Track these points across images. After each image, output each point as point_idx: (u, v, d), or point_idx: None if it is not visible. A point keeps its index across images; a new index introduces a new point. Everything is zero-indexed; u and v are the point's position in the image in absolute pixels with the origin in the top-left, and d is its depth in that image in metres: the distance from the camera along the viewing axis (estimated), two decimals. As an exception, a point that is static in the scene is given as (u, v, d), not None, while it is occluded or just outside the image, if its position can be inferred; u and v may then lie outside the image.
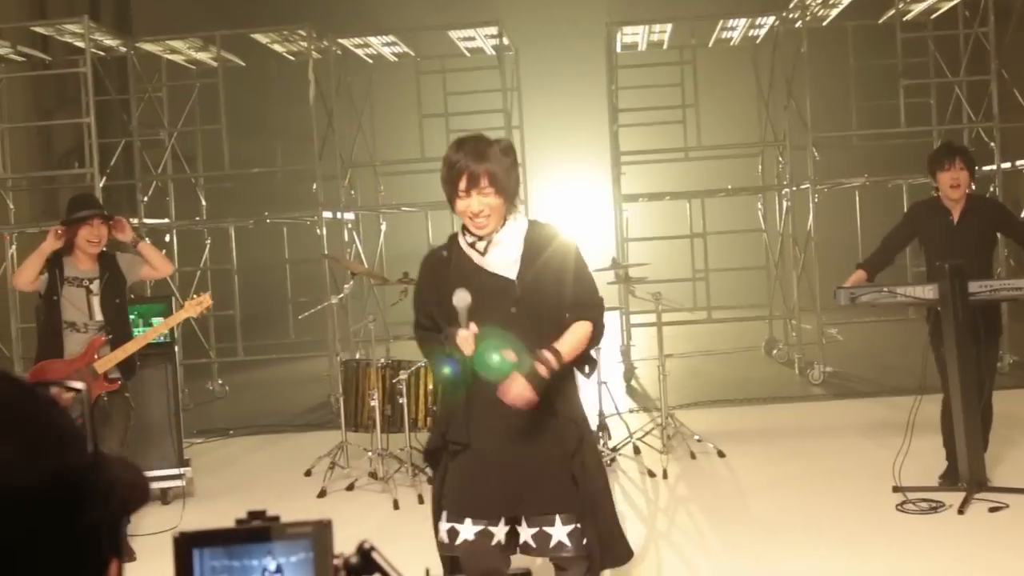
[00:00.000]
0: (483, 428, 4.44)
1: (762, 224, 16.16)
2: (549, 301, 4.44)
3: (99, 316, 7.42)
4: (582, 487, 4.44)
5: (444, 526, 4.52)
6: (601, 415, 9.41)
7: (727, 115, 16.69)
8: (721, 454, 9.50)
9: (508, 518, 4.51)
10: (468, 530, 4.44)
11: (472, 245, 4.48)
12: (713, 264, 15.22)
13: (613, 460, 9.17)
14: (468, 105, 15.54)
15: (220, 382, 14.64)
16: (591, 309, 4.53)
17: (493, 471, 4.44)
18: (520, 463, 4.45)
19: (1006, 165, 13.91)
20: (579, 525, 4.43)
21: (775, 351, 15.60)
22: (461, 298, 4.22)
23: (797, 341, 14.45)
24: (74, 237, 7.37)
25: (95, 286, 7.44)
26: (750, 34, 15.70)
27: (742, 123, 16.77)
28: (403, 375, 8.65)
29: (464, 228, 4.52)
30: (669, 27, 15.18)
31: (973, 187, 8.28)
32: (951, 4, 14.74)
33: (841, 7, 14.70)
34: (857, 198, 15.40)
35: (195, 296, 7.80)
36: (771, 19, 14.98)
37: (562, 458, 4.46)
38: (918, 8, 14.77)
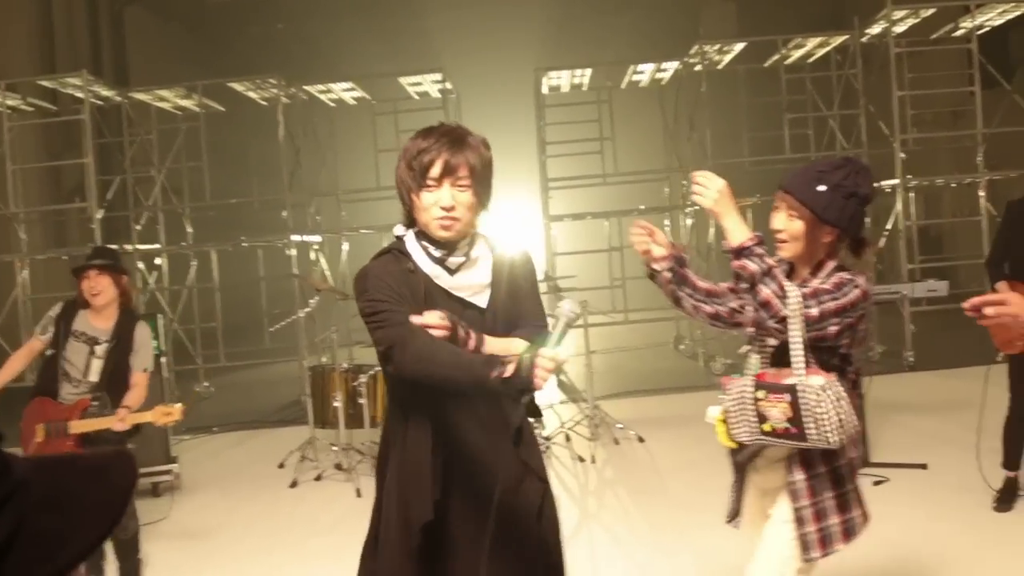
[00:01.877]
0: (455, 500, 3.08)
1: (670, 239, 15.98)
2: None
3: (93, 377, 5.87)
4: (541, 559, 3.23)
5: None
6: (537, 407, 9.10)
7: (638, 146, 16.50)
8: (641, 440, 9.20)
9: None
10: None
11: (441, 261, 3.11)
12: (629, 273, 14.99)
13: (548, 448, 8.85)
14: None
15: (206, 384, 14.25)
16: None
17: (460, 552, 3.08)
18: (490, 541, 2.98)
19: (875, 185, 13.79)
20: None
21: (682, 346, 15.50)
22: (571, 306, 2.90)
23: (701, 337, 14.24)
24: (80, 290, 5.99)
25: (100, 349, 5.91)
26: (656, 77, 15.53)
27: (651, 152, 16.62)
28: (363, 378, 8.29)
29: (421, 236, 3.13)
30: (588, 71, 14.95)
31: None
32: (825, 50, 14.61)
33: (734, 53, 14.54)
34: (750, 215, 15.20)
35: (167, 404, 5.79)
36: (675, 64, 14.82)
37: (528, 526, 3.18)
38: (797, 54, 14.61)
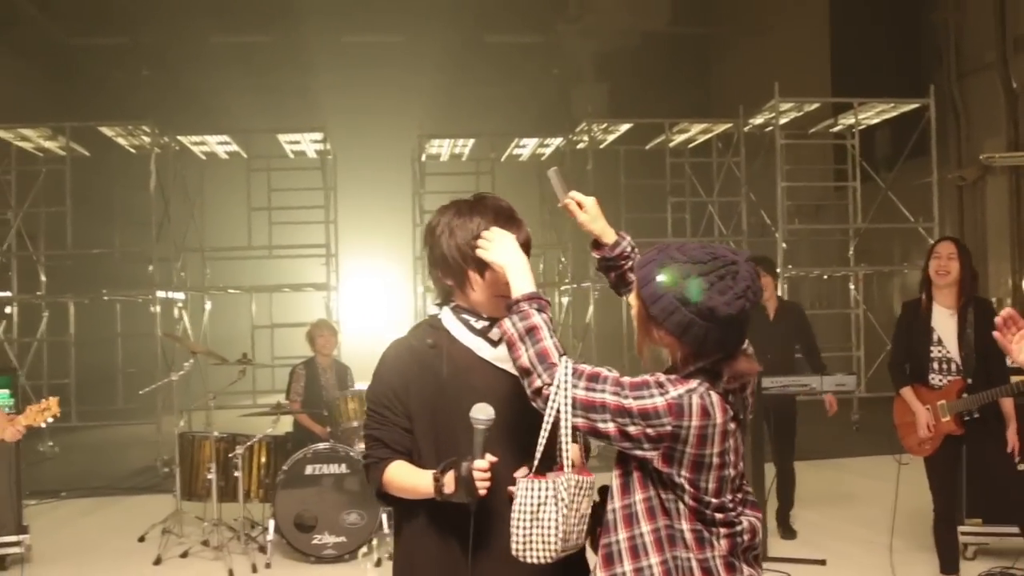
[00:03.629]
0: None
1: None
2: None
3: None
4: None
5: None
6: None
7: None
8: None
9: None
10: None
11: (484, 332, 2.93)
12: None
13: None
14: (289, 201, 14.66)
15: (51, 443, 13.29)
16: None
17: None
18: None
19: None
20: None
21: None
22: (484, 413, 2.72)
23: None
24: None
25: None
26: (537, 152, 15.40)
27: (530, 228, 16.36)
28: (239, 449, 7.71)
29: (460, 311, 2.96)
30: (471, 141, 14.74)
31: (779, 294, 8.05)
32: (707, 137, 14.70)
33: (619, 133, 14.51)
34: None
35: (42, 402, 5.22)
36: (559, 140, 14.71)
37: None
38: (680, 138, 14.68)
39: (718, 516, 2.57)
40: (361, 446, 7.99)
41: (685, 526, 2.56)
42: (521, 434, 2.78)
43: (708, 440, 2.50)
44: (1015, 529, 6.48)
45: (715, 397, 2.52)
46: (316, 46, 18.97)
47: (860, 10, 16.81)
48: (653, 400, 2.48)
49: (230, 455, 7.77)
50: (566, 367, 2.54)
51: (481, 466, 2.68)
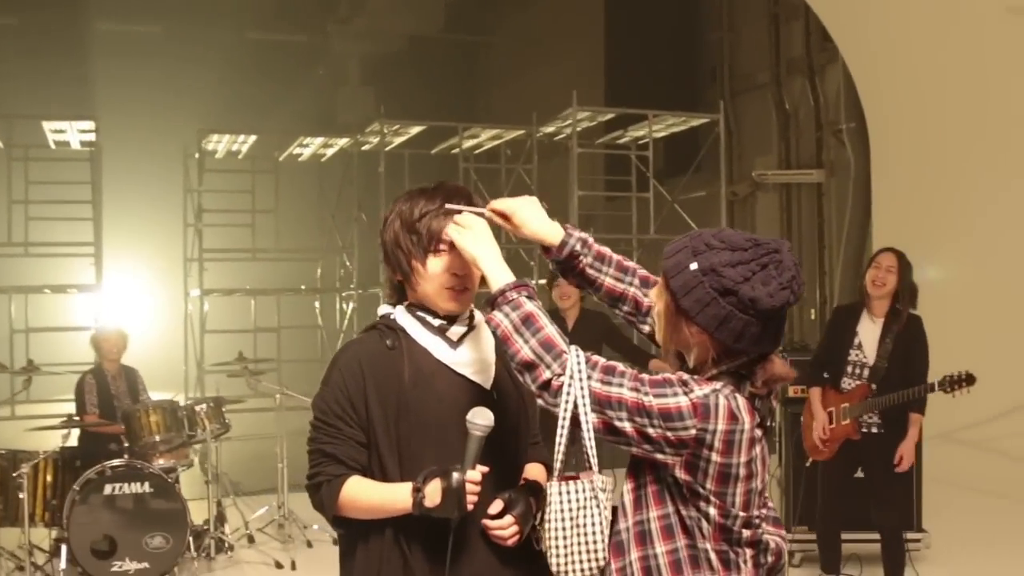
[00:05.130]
0: None
1: (320, 321, 15.21)
2: (520, 425, 2.71)
3: None
4: None
5: None
6: (219, 504, 7.94)
7: (292, 222, 15.46)
8: (335, 542, 8.16)
9: None
10: None
11: (442, 331, 2.62)
12: (285, 356, 13.97)
13: (231, 555, 7.66)
14: (51, 195, 13.43)
15: None
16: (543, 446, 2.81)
17: None
18: None
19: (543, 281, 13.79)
20: None
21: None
22: (484, 418, 2.44)
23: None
24: None
25: None
26: (319, 152, 14.82)
27: (307, 230, 15.73)
28: (24, 468, 6.79)
29: (415, 309, 2.64)
30: (252, 139, 13.99)
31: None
32: (496, 143, 14.51)
33: (407, 136, 14.11)
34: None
35: None
36: (344, 140, 14.21)
37: None
38: (467, 144, 14.41)
39: (745, 533, 2.33)
40: (161, 462, 7.30)
41: (710, 546, 2.31)
42: (488, 445, 2.47)
43: (735, 447, 2.24)
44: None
45: (741, 400, 2.26)
46: (69, 32, 17.73)
47: (636, 25, 17.00)
48: (677, 399, 2.22)
49: (14, 474, 6.85)
50: (578, 355, 2.29)
51: (475, 478, 2.44)
